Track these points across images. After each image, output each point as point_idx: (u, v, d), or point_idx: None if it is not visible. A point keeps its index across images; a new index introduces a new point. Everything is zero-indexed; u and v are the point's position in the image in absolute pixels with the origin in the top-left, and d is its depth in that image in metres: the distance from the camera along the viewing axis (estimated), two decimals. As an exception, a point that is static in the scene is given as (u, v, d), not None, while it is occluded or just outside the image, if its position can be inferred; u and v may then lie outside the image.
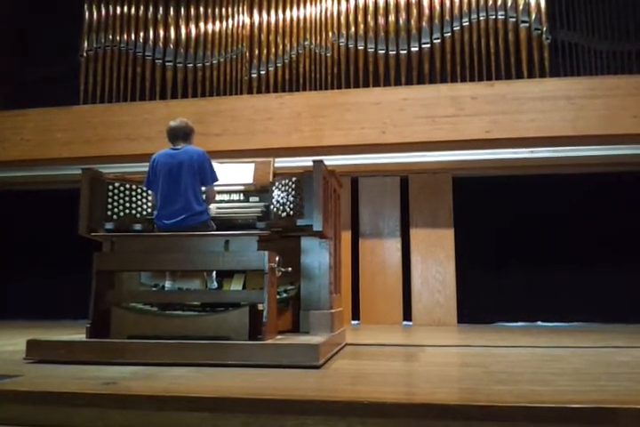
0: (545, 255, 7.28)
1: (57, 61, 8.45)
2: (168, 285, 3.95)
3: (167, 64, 8.00)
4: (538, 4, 7.18)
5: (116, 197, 4.25)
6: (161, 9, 8.20)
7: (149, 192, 4.39)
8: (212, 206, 4.18)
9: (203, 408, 2.32)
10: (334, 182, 4.53)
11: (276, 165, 4.57)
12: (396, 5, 7.58)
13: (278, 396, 2.36)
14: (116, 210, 4.22)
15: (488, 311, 7.32)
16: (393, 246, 7.59)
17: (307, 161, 4.17)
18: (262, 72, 7.74)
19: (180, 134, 4.05)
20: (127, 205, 4.30)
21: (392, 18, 7.56)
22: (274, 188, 4.21)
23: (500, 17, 7.26)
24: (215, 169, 4.02)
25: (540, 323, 7.18)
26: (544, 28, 7.13)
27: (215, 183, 4.04)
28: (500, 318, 7.29)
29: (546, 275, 7.27)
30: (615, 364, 3.55)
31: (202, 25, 8.09)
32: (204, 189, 4.01)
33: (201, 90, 7.88)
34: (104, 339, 3.49)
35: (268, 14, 7.90)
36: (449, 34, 7.38)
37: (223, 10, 8.07)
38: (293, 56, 7.70)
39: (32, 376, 2.90)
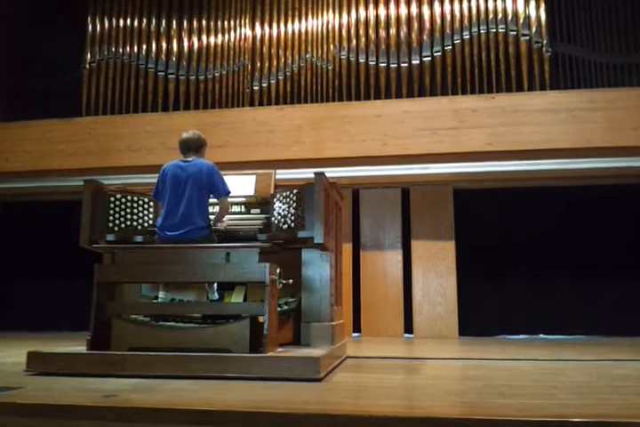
0: (547, 268, 7.27)
1: (60, 73, 8.50)
2: (161, 295, 3.94)
3: (169, 76, 8.05)
4: (538, 18, 7.23)
5: (117, 209, 4.25)
6: (163, 21, 8.26)
7: (151, 204, 4.41)
8: (226, 219, 4.18)
9: (203, 421, 2.32)
10: (335, 194, 4.54)
11: (278, 177, 4.58)
12: (397, 19, 7.63)
13: (279, 409, 2.35)
14: (117, 222, 4.23)
15: (489, 324, 7.30)
16: (394, 258, 7.58)
17: (308, 173, 4.19)
18: (264, 84, 7.77)
19: (192, 146, 4.07)
20: (128, 216, 4.30)
21: (393, 31, 7.61)
22: (275, 200, 4.21)
23: (500, 30, 7.31)
24: (226, 181, 4.03)
25: (541, 336, 7.15)
26: (544, 41, 7.17)
27: (228, 196, 4.05)
28: (502, 331, 7.26)
29: (548, 287, 7.25)
30: (617, 377, 3.53)
31: (204, 37, 8.15)
32: (214, 200, 4.02)
33: (203, 102, 7.91)
34: (104, 351, 3.48)
35: (270, 27, 7.96)
36: (450, 47, 7.42)
37: (225, 23, 8.13)
38: (295, 69, 7.75)
39: (32, 388, 2.89)
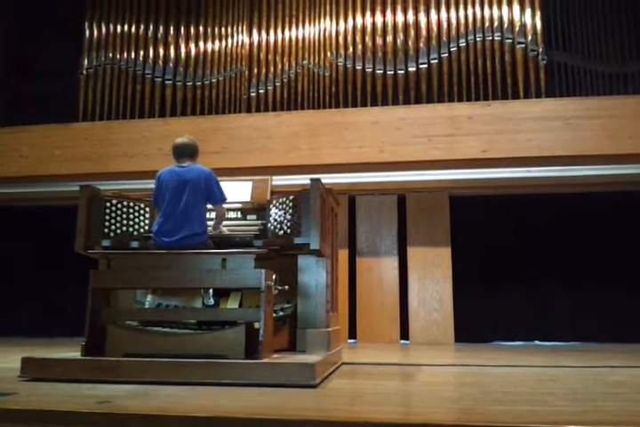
0: (542, 274, 7.28)
1: (57, 79, 8.50)
2: (149, 299, 3.93)
3: (167, 82, 8.05)
4: (534, 26, 7.27)
5: (113, 215, 4.24)
6: (161, 28, 8.28)
7: (147, 209, 4.40)
8: (223, 228, 4.18)
9: (198, 428, 2.31)
10: (332, 201, 4.54)
11: (274, 183, 4.58)
12: (394, 26, 7.67)
13: (274, 415, 2.35)
14: (113, 227, 4.22)
15: (485, 330, 7.30)
16: (390, 265, 7.59)
17: (304, 179, 4.19)
18: (261, 91, 7.79)
19: (187, 151, 4.05)
20: (124, 222, 4.29)
21: (390, 38, 7.64)
22: (271, 206, 4.21)
23: (496, 38, 7.35)
24: (223, 188, 4.03)
25: (537, 342, 7.16)
26: (540, 49, 7.21)
27: (224, 203, 4.05)
28: (497, 338, 7.27)
29: (543, 294, 7.26)
30: (612, 384, 3.53)
31: (201, 44, 8.17)
32: (210, 207, 4.03)
33: (200, 108, 7.92)
34: (99, 357, 3.46)
35: (267, 34, 7.98)
36: (446, 54, 7.45)
37: (223, 29, 8.15)
38: (292, 75, 7.76)
39: (26, 394, 2.87)
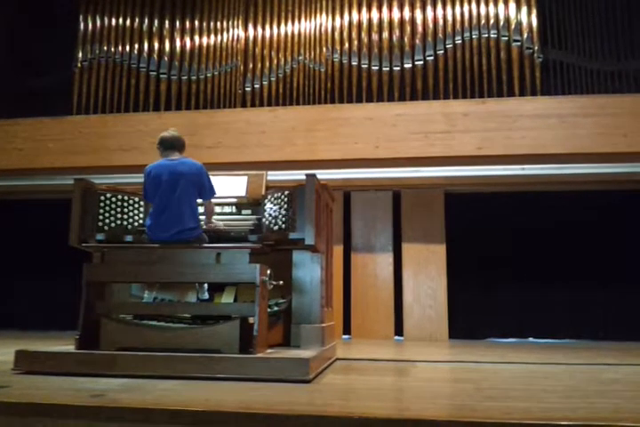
0: (536, 271, 7.30)
1: (51, 72, 8.46)
2: (146, 295, 3.92)
3: (161, 76, 8.03)
4: (530, 24, 7.28)
5: (107, 208, 4.22)
6: (156, 21, 8.24)
7: (142, 203, 4.38)
8: (218, 222, 4.17)
9: (191, 421, 2.31)
10: (327, 196, 4.53)
11: (269, 178, 4.57)
12: (390, 22, 7.66)
13: (268, 410, 2.35)
14: (107, 221, 4.20)
15: (479, 327, 7.33)
16: (385, 261, 7.59)
17: (300, 175, 4.18)
18: (256, 86, 7.77)
19: (176, 145, 4.03)
20: (118, 215, 4.27)
21: (386, 35, 7.63)
22: (266, 201, 4.20)
23: (492, 36, 7.35)
24: (213, 183, 4.01)
25: (531, 339, 7.19)
26: (535, 47, 7.22)
27: (213, 198, 4.04)
28: (492, 334, 7.29)
29: (537, 291, 7.28)
30: (606, 381, 3.55)
31: (197, 38, 8.14)
32: (200, 201, 4.01)
33: (195, 102, 7.90)
34: (93, 350, 3.46)
35: (263, 29, 7.96)
36: (442, 51, 7.46)
37: (218, 23, 8.12)
38: (287, 71, 7.75)
39: (20, 387, 2.87)
